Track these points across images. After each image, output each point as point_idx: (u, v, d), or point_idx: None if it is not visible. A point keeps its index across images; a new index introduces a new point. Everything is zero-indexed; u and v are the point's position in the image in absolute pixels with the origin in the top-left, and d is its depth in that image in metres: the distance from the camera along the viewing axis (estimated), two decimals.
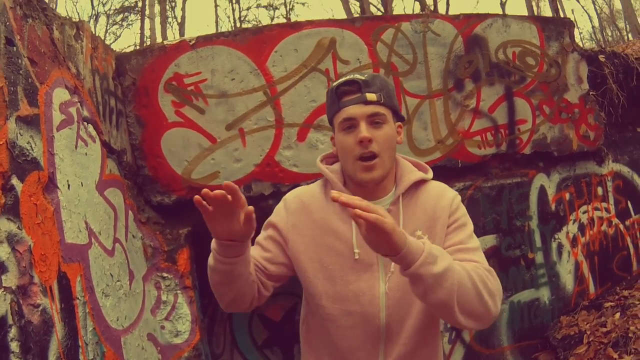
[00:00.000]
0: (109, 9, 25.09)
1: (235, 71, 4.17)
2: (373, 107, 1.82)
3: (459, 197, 1.98)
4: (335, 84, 1.88)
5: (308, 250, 1.88)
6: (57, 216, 2.63)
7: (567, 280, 4.89)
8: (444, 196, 1.92)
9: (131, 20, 25.79)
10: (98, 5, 25.61)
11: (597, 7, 29.97)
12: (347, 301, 1.82)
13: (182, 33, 23.21)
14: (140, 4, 23.41)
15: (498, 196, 4.68)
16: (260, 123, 4.18)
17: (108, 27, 25.47)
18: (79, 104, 3.10)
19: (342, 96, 1.84)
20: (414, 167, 1.98)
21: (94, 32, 3.58)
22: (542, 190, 4.87)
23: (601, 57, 5.18)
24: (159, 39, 19.62)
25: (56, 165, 2.69)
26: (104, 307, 3.07)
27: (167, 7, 22.27)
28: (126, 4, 24.83)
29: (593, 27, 31.83)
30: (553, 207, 4.91)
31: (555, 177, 4.96)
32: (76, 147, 3.01)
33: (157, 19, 19.45)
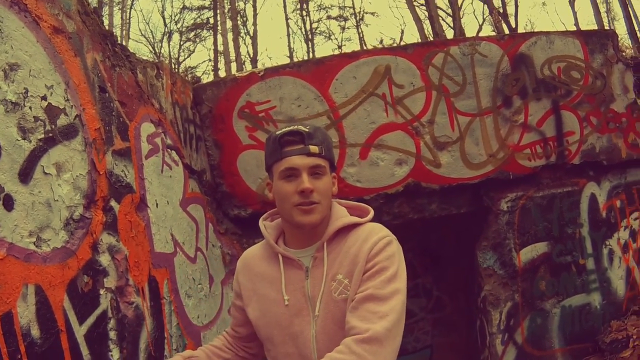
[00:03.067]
0: (181, 26, 25.28)
1: (301, 98, 4.59)
2: (315, 159, 1.80)
3: (388, 239, 1.82)
4: (278, 133, 1.85)
5: (252, 301, 1.93)
6: (148, 230, 3.09)
7: (619, 285, 4.95)
8: (368, 240, 1.81)
9: (204, 36, 25.81)
10: (170, 23, 25.69)
11: None
12: (285, 344, 1.84)
13: (254, 47, 23.28)
14: (212, 21, 23.58)
15: (549, 205, 4.84)
16: None
17: (181, 44, 25.81)
18: (162, 134, 3.56)
19: (285, 145, 1.81)
20: (346, 213, 1.94)
21: (172, 68, 4.02)
22: (593, 198, 4.96)
23: None
24: (232, 54, 19.93)
25: (146, 187, 3.15)
26: (187, 306, 3.51)
27: (239, 22, 22.34)
28: (198, 21, 25.05)
29: None
30: (604, 214, 4.99)
31: (605, 185, 5.03)
32: (162, 171, 3.46)
33: (229, 35, 19.85)
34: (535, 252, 4.78)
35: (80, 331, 2.23)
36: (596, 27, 19.30)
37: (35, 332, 1.94)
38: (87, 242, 2.41)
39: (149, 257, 3.05)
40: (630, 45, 12.40)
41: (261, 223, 2.02)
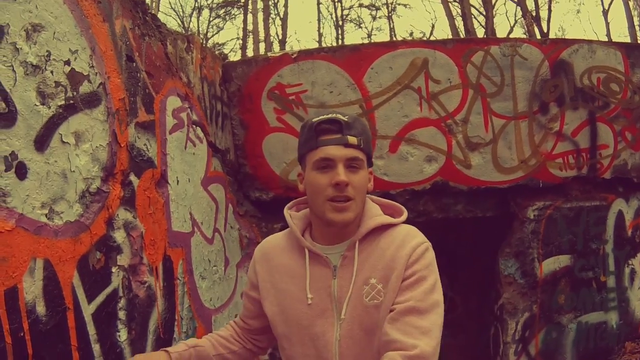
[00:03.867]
0: (212, 2, 24.58)
1: (334, 84, 4.40)
2: (353, 150, 1.67)
3: (425, 246, 1.71)
4: (315, 119, 1.71)
5: (269, 295, 1.79)
6: (166, 208, 2.97)
7: (637, 306, 4.79)
8: (405, 244, 1.69)
9: (234, 14, 25.04)
10: None
11: None
12: (304, 345, 1.72)
13: (284, 29, 22.95)
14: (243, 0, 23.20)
15: (576, 218, 4.65)
16: None
17: (211, 20, 25.12)
18: (189, 109, 3.42)
19: (321, 134, 1.68)
20: (380, 211, 1.80)
21: (202, 42, 3.87)
22: (620, 216, 4.77)
23: None
24: (261, 35, 19.63)
25: (168, 163, 3.02)
26: (200, 288, 3.39)
27: (270, 3, 22.03)
28: None
29: None
30: (629, 232, 4.80)
31: (634, 203, 4.84)
32: (185, 147, 3.33)
33: (260, 15, 19.57)
34: (557, 265, 4.60)
35: (88, 310, 2.09)
36: (629, 39, 18.82)
37: (40, 309, 1.80)
38: (103, 216, 2.27)
39: (165, 235, 2.92)
40: None
41: (286, 212, 1.87)
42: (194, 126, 3.53)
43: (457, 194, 4.62)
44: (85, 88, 2.17)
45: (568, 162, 4.56)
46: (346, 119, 1.69)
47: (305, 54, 4.42)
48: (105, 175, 2.32)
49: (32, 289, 1.77)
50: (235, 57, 20.58)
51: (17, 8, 1.80)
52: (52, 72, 1.96)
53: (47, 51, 1.94)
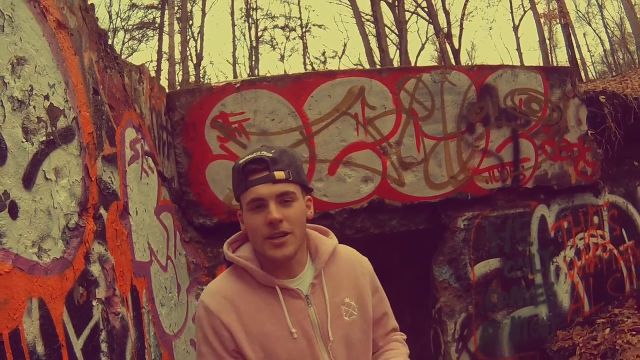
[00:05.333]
0: (126, 23, 23.78)
1: (275, 112, 4.46)
2: (282, 185, 1.64)
3: (368, 261, 1.90)
4: (241, 161, 1.68)
5: (249, 343, 1.65)
6: (130, 238, 2.90)
7: (564, 299, 5.12)
8: (361, 263, 1.84)
9: (149, 36, 24.39)
10: (116, 19, 23.87)
11: (609, 31, 29.71)
12: None
13: (200, 51, 22.67)
14: (159, 21, 22.42)
15: (503, 224, 4.94)
16: None
17: (125, 41, 24.22)
18: (142, 140, 3.38)
19: (249, 174, 1.65)
20: (322, 235, 1.85)
21: (150, 74, 3.82)
22: (543, 220, 5.11)
23: (602, 98, 5.39)
24: (177, 56, 19.31)
25: (128, 195, 2.95)
26: (161, 315, 3.32)
27: (187, 25, 21.69)
28: (145, 20, 23.73)
29: (605, 50, 31.45)
30: (552, 234, 5.15)
31: (555, 207, 5.20)
32: (141, 178, 3.27)
33: (177, 37, 19.19)
34: (488, 267, 4.87)
35: (77, 345, 2.02)
36: (539, 53, 19.97)
37: (40, 348, 1.73)
38: (82, 251, 2.20)
39: (131, 266, 2.84)
40: None
41: (234, 256, 1.75)
42: (147, 156, 3.46)
43: (392, 210, 4.77)
44: (61, 123, 2.11)
45: (494, 175, 4.85)
46: (271, 155, 1.66)
47: (249, 84, 4.45)
48: (81, 210, 2.25)
49: (31, 329, 1.70)
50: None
51: (4, 40, 1.74)
52: (34, 107, 1.90)
53: (30, 85, 1.89)
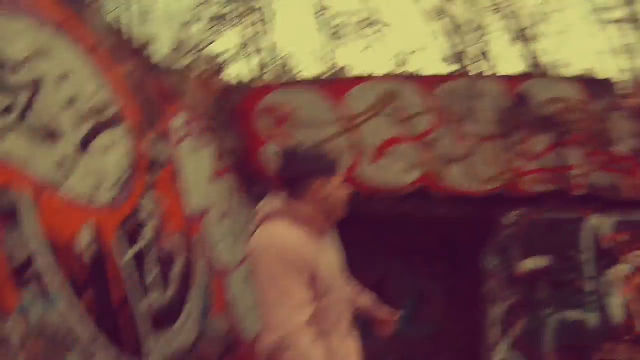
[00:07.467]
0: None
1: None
2: None
3: None
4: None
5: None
6: (179, 193, 3.84)
7: (615, 312, 4.96)
8: None
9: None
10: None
11: None
12: None
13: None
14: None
15: (553, 226, 5.09)
16: None
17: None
18: (192, 123, 4.26)
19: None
20: None
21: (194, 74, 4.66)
22: (596, 229, 5.07)
23: None
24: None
25: (179, 162, 3.89)
26: (215, 249, 4.25)
27: None
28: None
29: None
30: (606, 245, 5.06)
31: (611, 219, 5.10)
32: (192, 152, 4.17)
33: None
34: (536, 265, 4.98)
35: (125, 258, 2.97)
36: None
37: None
38: (132, 198, 3.15)
39: (181, 211, 3.77)
40: None
41: None
42: (198, 135, 4.37)
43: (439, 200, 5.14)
44: (107, 114, 3.08)
45: (540, 178, 5.12)
46: None
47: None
48: (132, 172, 3.22)
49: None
50: None
51: (51, 63, 2.70)
52: (80, 105, 2.86)
53: (74, 91, 2.85)
